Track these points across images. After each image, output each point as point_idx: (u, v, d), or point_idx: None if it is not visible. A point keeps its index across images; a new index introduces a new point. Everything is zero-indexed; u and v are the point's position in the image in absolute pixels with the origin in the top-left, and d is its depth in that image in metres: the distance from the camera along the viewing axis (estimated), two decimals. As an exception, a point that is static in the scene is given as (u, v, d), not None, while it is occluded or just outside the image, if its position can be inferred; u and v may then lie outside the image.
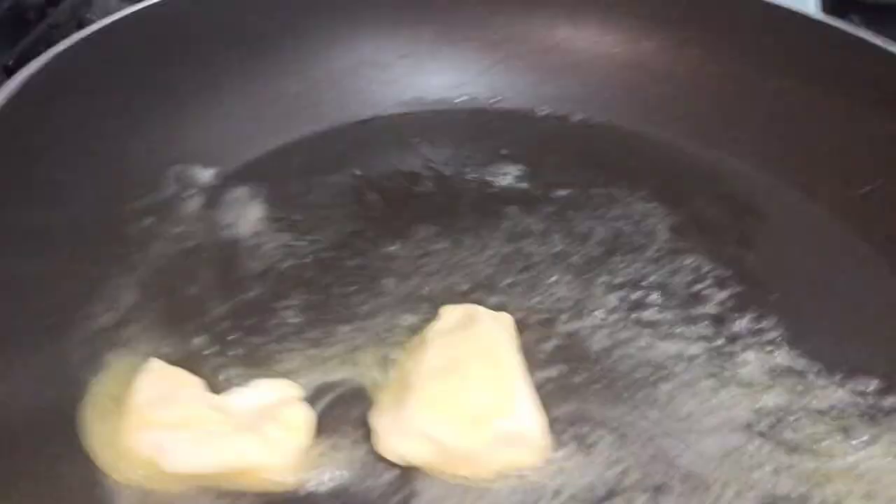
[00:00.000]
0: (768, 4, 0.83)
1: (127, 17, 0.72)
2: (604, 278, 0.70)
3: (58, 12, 0.90)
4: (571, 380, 0.62)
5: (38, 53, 0.77)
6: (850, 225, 0.76)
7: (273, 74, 0.83)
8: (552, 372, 0.62)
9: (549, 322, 0.66)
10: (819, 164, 0.79)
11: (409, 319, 0.65)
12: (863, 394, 0.63)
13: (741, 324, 0.68)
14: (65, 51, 0.66)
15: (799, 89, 0.82)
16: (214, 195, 0.74)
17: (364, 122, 0.85)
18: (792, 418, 0.61)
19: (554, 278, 0.70)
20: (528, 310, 0.67)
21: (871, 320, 0.69)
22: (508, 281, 0.69)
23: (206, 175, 0.75)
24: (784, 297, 0.70)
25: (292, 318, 0.65)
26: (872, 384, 0.63)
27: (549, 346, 0.64)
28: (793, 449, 0.59)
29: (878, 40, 0.78)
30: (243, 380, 0.59)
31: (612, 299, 0.68)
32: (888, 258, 0.73)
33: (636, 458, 0.57)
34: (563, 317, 0.67)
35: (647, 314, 0.68)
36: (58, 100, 0.65)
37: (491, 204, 0.77)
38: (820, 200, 0.78)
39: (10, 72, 0.78)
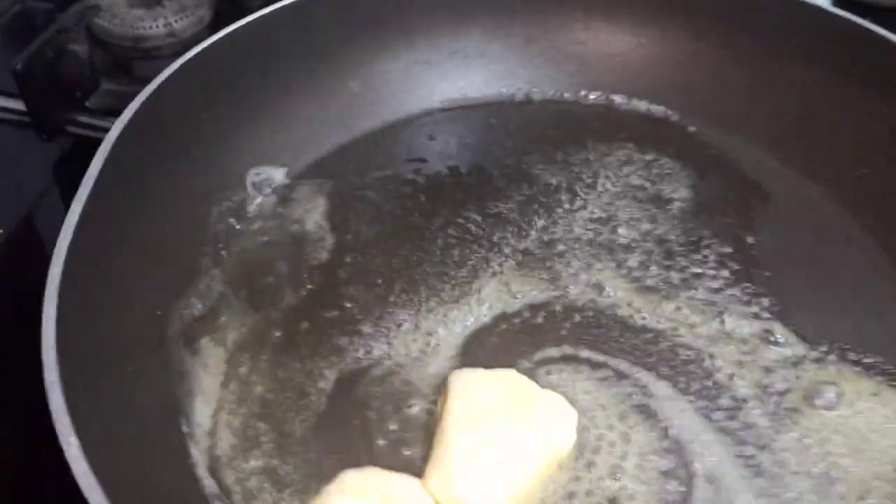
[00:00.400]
0: (783, -3, 0.90)
1: (210, 45, 0.83)
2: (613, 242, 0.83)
3: (66, 17, 0.97)
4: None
5: (47, 57, 0.89)
6: (844, 206, 0.85)
7: (335, 78, 0.94)
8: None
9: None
10: (819, 148, 0.87)
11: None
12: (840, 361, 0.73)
13: (734, 295, 0.78)
14: (162, 83, 0.78)
15: (806, 76, 0.89)
16: (286, 193, 0.87)
17: (417, 116, 0.96)
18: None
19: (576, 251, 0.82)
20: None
21: (855, 297, 0.78)
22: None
23: (278, 175, 0.88)
24: (776, 274, 0.80)
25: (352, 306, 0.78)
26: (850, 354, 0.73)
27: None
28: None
29: (881, 30, 0.85)
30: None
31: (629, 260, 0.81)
32: (877, 238, 0.82)
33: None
34: (573, 289, 0.79)
35: (650, 281, 0.79)
36: (158, 124, 0.77)
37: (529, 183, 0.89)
38: (818, 182, 0.87)
39: (17, 76, 0.89)
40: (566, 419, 0.67)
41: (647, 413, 0.70)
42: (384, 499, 0.62)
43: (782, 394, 0.71)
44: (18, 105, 0.98)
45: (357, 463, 0.66)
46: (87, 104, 0.98)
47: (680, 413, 0.70)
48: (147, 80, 0.79)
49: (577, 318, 0.77)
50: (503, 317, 0.77)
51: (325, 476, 0.65)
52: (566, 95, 0.98)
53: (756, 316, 0.77)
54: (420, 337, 0.75)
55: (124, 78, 1.06)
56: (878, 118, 0.85)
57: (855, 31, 0.86)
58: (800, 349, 0.74)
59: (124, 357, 0.67)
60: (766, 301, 0.78)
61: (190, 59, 0.81)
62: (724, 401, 0.71)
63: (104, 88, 1.00)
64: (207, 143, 0.83)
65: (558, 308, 0.77)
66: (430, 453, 0.65)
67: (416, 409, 0.70)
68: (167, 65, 0.80)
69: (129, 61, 1.10)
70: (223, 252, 0.80)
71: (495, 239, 0.84)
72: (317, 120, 0.92)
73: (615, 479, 0.66)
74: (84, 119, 0.96)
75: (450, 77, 0.98)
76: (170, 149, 0.79)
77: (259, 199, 0.85)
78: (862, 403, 0.70)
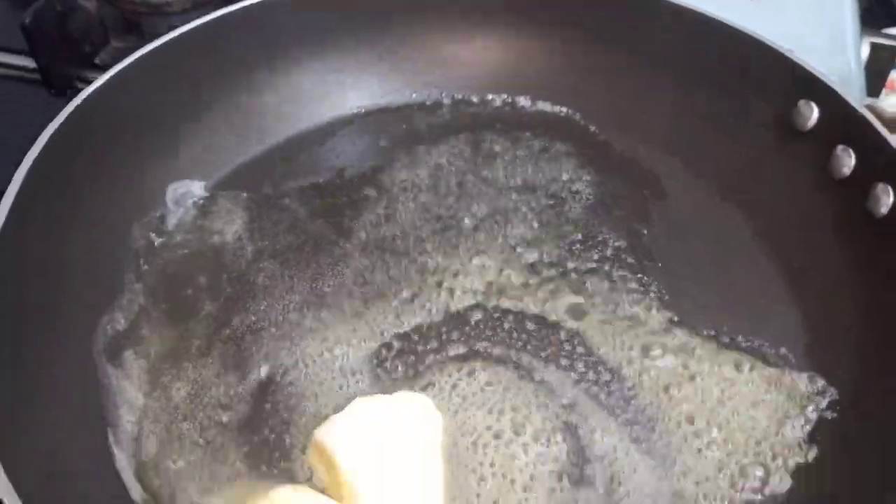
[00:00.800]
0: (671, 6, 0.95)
1: (128, 66, 0.86)
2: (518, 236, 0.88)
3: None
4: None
5: (56, 13, 0.91)
6: (735, 203, 0.91)
7: (251, 91, 0.98)
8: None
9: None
10: (711, 147, 0.93)
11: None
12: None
13: (627, 286, 0.84)
14: (82, 102, 0.81)
15: (699, 79, 0.95)
16: (205, 206, 0.90)
17: (332, 124, 1.00)
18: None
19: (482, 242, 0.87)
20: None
21: (743, 289, 0.85)
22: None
23: (197, 188, 0.91)
24: (668, 267, 0.86)
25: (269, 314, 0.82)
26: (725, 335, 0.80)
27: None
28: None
29: (755, 33, 0.90)
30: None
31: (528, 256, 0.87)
32: (765, 235, 0.88)
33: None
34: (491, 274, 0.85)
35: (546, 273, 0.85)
36: (77, 143, 0.80)
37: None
38: (711, 180, 0.93)
39: (26, 31, 0.90)
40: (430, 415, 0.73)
41: (542, 400, 0.76)
42: None
43: (670, 377, 0.77)
44: (28, 62, 0.99)
45: (274, 465, 0.71)
46: (97, 61, 0.99)
47: (573, 396, 0.76)
48: (156, 37, 0.82)
49: (478, 315, 0.82)
50: (418, 327, 0.82)
51: (247, 478, 0.70)
52: (474, 99, 1.03)
53: (648, 307, 0.82)
54: (333, 347, 0.80)
55: (133, 35, 1.06)
56: (762, 118, 0.91)
57: (734, 35, 0.91)
58: (688, 337, 0.80)
59: (47, 373, 0.71)
60: (657, 292, 0.84)
61: (108, 80, 0.84)
62: (615, 385, 0.77)
63: (114, 45, 1.01)
64: (127, 160, 0.87)
65: (465, 307, 0.83)
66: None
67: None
68: (175, 22, 0.82)
69: (137, 17, 1.09)
70: (144, 266, 0.84)
71: (410, 244, 0.88)
72: (234, 133, 0.96)
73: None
74: (93, 76, 0.94)
75: (362, 85, 1.02)
76: (90, 167, 0.82)
77: (179, 213, 0.89)
78: (742, 386, 0.77)
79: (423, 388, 0.76)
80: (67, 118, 0.80)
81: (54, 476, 0.63)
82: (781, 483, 0.72)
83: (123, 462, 0.71)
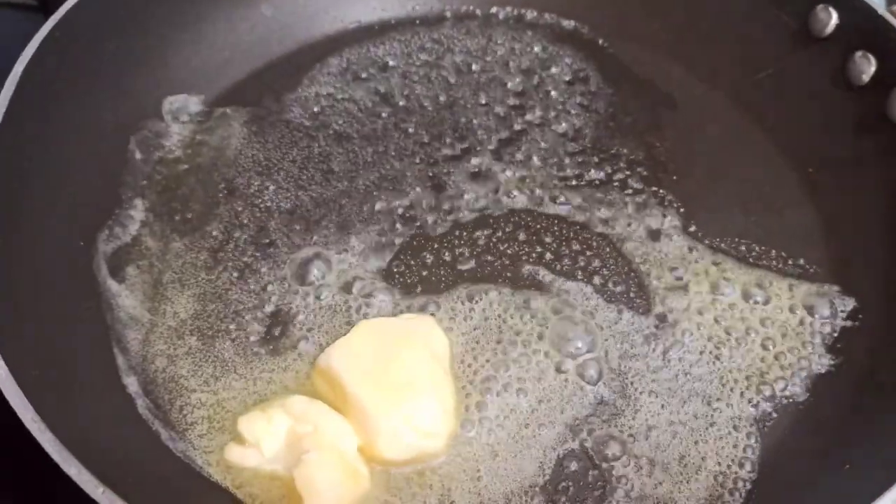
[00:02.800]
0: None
1: None
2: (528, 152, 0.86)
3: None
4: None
5: None
6: (746, 110, 0.89)
7: (246, 2, 0.94)
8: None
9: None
10: (722, 56, 0.91)
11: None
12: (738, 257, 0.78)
13: (642, 198, 0.82)
14: (67, 13, 0.77)
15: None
16: (203, 120, 0.87)
17: (332, 38, 0.97)
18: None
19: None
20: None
21: (755, 197, 0.83)
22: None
23: (194, 103, 0.88)
24: (680, 179, 0.84)
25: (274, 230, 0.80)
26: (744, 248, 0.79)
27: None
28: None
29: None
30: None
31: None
32: (776, 141, 0.86)
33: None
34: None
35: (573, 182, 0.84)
36: (65, 56, 0.77)
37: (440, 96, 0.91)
38: (722, 88, 0.90)
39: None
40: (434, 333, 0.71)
41: (555, 299, 0.75)
42: (316, 431, 0.64)
43: (687, 288, 0.76)
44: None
45: (283, 380, 0.70)
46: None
47: (590, 303, 0.75)
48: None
49: (487, 229, 0.80)
50: (425, 235, 0.80)
51: (259, 393, 0.69)
52: (478, 12, 0.99)
53: (663, 218, 0.81)
54: (342, 261, 0.78)
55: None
56: (776, 24, 0.88)
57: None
58: (704, 249, 0.79)
59: (49, 290, 0.68)
60: (673, 203, 0.82)
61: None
62: (634, 291, 0.76)
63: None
64: (119, 72, 0.83)
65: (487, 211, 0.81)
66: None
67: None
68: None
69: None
70: (144, 182, 0.81)
71: (417, 149, 0.86)
72: (230, 46, 0.93)
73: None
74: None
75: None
76: (80, 80, 0.79)
77: (176, 128, 0.86)
78: (761, 295, 0.76)
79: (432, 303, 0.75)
80: (52, 30, 0.76)
81: (60, 388, 0.61)
82: (799, 392, 0.71)
83: (131, 378, 0.69)
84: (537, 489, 0.66)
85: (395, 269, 0.77)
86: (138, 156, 0.82)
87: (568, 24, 0.98)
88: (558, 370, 0.71)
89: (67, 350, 0.66)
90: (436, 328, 0.72)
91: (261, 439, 0.64)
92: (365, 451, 0.65)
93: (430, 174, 0.84)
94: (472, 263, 0.78)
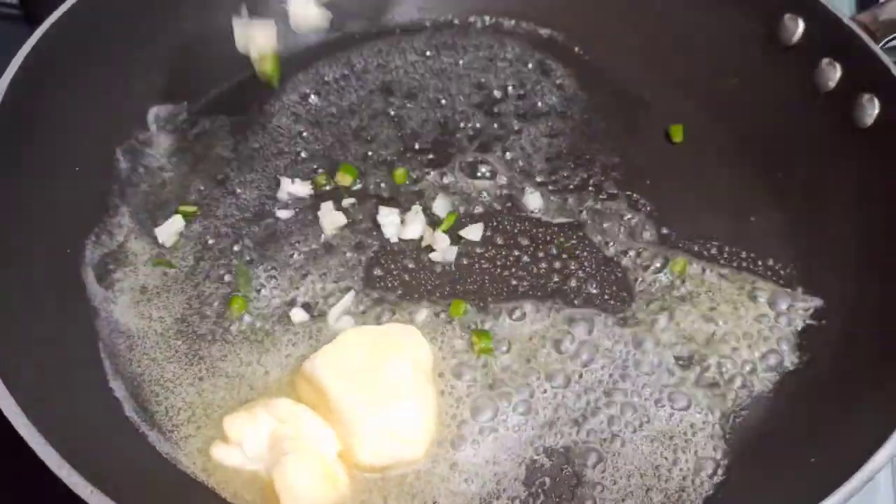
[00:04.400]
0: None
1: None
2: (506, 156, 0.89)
3: None
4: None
5: None
6: (718, 117, 0.91)
7: (231, 14, 0.95)
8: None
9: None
10: (695, 64, 0.93)
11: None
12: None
13: (616, 202, 0.85)
14: (54, 23, 0.78)
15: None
16: (188, 129, 0.89)
17: (310, 47, 0.98)
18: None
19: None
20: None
21: (726, 201, 0.86)
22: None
23: (179, 111, 0.90)
24: (655, 182, 0.86)
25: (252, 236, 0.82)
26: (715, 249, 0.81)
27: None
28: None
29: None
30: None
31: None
32: (745, 145, 0.89)
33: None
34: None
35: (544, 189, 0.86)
36: (53, 65, 0.78)
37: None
38: (694, 95, 0.93)
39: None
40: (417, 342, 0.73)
41: (530, 303, 0.77)
42: (298, 434, 0.66)
43: (662, 288, 0.78)
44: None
45: (268, 384, 0.72)
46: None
47: (565, 306, 0.78)
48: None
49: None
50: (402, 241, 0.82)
51: (244, 397, 0.71)
52: (456, 21, 1.01)
53: (638, 221, 0.83)
54: (325, 268, 0.80)
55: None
56: (746, 33, 0.90)
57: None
58: (677, 249, 0.81)
59: (36, 296, 0.70)
60: (646, 206, 0.84)
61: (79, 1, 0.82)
62: (609, 293, 0.79)
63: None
64: (104, 82, 0.84)
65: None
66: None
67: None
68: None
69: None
70: (129, 189, 0.83)
71: (393, 157, 0.89)
72: (214, 56, 0.94)
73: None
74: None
75: (342, 6, 1.00)
76: (66, 90, 0.80)
77: (162, 137, 0.87)
78: (730, 294, 0.78)
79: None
80: (39, 41, 0.77)
81: (45, 391, 0.63)
82: (766, 389, 0.74)
83: (117, 381, 0.71)
84: (514, 492, 0.68)
85: (375, 276, 0.79)
86: (124, 164, 0.84)
87: (545, 32, 1.00)
88: (535, 375, 0.73)
89: (56, 356, 0.67)
90: (419, 338, 0.74)
91: (244, 438, 0.65)
92: (345, 457, 0.67)
93: (409, 179, 0.86)
94: (449, 269, 0.80)
